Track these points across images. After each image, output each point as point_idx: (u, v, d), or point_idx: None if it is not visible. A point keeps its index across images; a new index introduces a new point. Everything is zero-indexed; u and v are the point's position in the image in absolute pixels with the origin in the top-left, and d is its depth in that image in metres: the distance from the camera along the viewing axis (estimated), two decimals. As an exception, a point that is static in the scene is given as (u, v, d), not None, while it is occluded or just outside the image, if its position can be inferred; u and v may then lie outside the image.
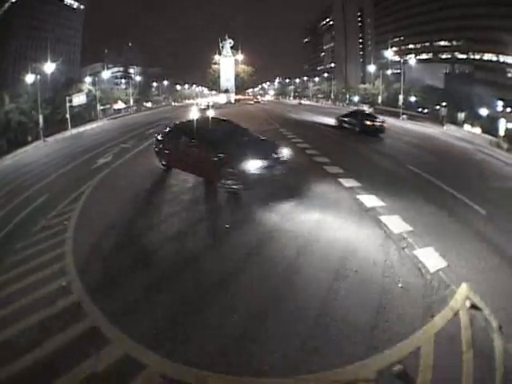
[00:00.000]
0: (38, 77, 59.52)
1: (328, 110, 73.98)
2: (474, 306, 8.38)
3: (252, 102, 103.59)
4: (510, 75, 79.53)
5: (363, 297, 8.66)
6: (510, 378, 6.65)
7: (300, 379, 6.42)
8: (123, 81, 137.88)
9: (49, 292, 9.29)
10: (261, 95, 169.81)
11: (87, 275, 9.93)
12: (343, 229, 12.30)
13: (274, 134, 31.91)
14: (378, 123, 37.21)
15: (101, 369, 6.69)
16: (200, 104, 64.11)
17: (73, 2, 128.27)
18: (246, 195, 15.30)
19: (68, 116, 61.24)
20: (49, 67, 65.36)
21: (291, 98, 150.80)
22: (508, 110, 73.46)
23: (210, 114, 46.51)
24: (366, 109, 71.64)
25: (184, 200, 15.50)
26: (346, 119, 40.13)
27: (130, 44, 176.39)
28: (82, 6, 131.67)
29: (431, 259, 10.31)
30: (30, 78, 60.40)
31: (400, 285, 9.10)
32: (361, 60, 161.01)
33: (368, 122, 37.20)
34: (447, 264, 10.09)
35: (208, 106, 57.30)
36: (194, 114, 50.30)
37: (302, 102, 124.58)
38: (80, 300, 8.83)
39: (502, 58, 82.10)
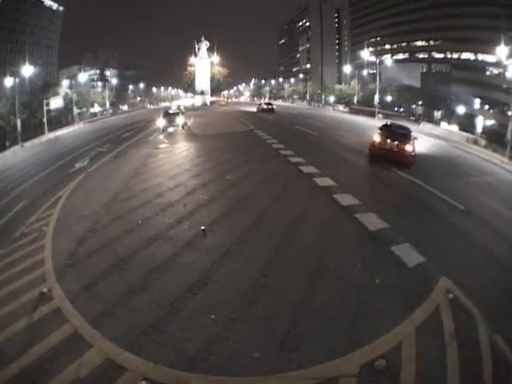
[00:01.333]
0: (17, 80, 58.63)
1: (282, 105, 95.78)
2: (455, 299, 8.55)
3: (224, 103, 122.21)
4: (488, 73, 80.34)
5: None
6: (498, 367, 6.79)
7: (282, 377, 6.47)
8: (99, 83, 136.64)
9: (30, 299, 9.22)
10: (236, 97, 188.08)
11: (67, 280, 9.89)
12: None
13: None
14: (269, 107, 71.18)
15: (84, 373, 6.68)
16: (169, 108, 50.35)
17: (52, 4, 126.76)
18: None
19: (45, 120, 60.29)
20: (27, 70, 64.32)
21: (266, 99, 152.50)
22: (486, 107, 74.56)
23: (180, 121, 40.87)
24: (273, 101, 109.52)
25: (161, 203, 15.56)
26: (258, 107, 75.01)
27: (107, 46, 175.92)
28: (60, 8, 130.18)
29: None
30: (8, 82, 59.41)
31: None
32: (337, 61, 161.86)
33: (264, 106, 72.53)
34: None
35: (179, 110, 45.14)
36: (159, 124, 41.11)
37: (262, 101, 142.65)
38: (61, 305, 8.78)
39: (480, 57, 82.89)
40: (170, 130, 39.78)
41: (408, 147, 22.67)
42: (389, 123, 27.71)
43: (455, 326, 7.68)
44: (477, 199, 18.01)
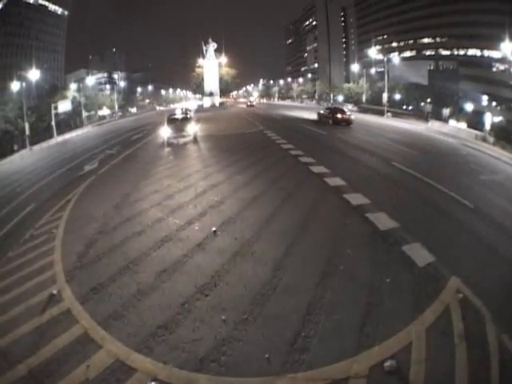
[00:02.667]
0: (24, 84, 58.97)
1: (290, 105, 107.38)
2: (465, 299, 8.49)
3: (229, 104, 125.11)
4: (494, 70, 79.83)
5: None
6: (507, 368, 6.71)
7: (292, 377, 6.46)
8: (108, 86, 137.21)
9: (40, 300, 9.26)
10: (245, 97, 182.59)
11: (76, 282, 9.92)
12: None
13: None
14: (251, 104, 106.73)
15: (93, 374, 6.69)
16: (174, 112, 37.51)
17: (57, 9, 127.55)
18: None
19: (53, 123, 60.63)
20: (34, 74, 64.65)
21: (276, 100, 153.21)
22: (493, 104, 74.04)
23: (192, 129, 32.29)
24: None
25: (171, 205, 15.59)
26: (245, 103, 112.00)
27: (114, 49, 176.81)
28: (66, 12, 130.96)
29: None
30: (15, 86, 59.78)
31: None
32: (344, 59, 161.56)
33: (248, 103, 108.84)
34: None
35: (187, 114, 35.36)
36: (163, 134, 32.18)
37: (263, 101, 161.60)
38: (71, 307, 8.82)
39: (486, 53, 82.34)
40: (178, 141, 31.28)
41: (340, 116, 45.48)
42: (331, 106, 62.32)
43: (464, 326, 7.62)
44: (486, 197, 17.87)
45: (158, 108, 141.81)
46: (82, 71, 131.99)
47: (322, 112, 49.14)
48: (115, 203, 16.35)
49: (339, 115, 45.38)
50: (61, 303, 9.05)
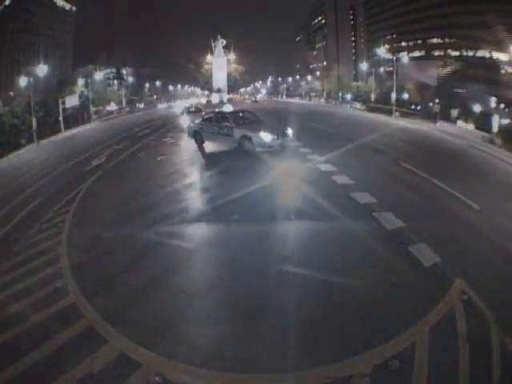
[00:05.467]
0: (31, 79, 59.08)
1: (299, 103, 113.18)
2: (469, 300, 8.46)
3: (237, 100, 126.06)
4: (503, 72, 79.19)
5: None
6: (509, 370, 6.70)
7: (297, 374, 6.47)
8: (115, 82, 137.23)
9: (45, 294, 9.32)
10: (252, 94, 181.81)
11: (82, 276, 9.97)
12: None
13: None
14: (235, 97, 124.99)
15: (97, 368, 6.72)
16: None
17: (65, 4, 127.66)
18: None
19: (61, 118, 60.77)
20: (41, 70, 64.74)
21: (284, 97, 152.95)
22: (501, 106, 73.63)
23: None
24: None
25: (179, 200, 15.59)
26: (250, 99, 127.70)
27: (121, 45, 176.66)
28: (73, 8, 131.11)
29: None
30: (23, 81, 59.93)
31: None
32: (353, 58, 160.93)
33: (253, 99, 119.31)
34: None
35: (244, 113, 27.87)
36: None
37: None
38: (76, 301, 8.87)
39: (495, 55, 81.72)
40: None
41: (254, 99, 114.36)
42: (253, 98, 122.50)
43: (468, 328, 7.60)
44: (492, 200, 17.72)
45: (166, 104, 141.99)
46: (89, 67, 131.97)
47: (252, 98, 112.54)
48: (122, 198, 16.46)
49: (253, 99, 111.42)
50: (66, 297, 9.10)
